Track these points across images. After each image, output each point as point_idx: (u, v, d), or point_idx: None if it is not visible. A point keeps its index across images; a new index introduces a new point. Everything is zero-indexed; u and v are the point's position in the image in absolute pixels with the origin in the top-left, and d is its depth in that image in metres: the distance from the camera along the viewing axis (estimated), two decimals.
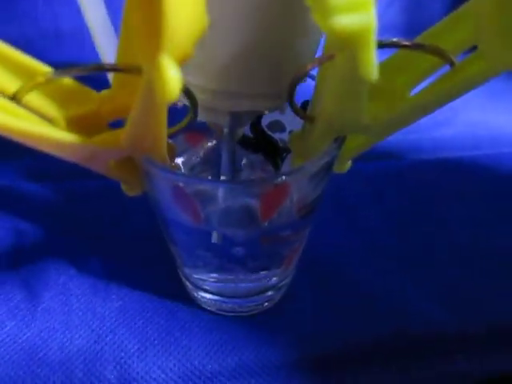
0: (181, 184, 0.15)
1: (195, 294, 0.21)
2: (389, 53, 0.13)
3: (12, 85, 0.11)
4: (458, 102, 0.13)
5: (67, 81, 0.12)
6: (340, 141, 0.15)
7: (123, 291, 0.21)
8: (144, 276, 0.22)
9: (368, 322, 0.21)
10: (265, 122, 0.20)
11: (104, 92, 0.13)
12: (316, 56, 0.15)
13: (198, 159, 0.19)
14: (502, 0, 0.10)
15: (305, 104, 0.17)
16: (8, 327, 0.20)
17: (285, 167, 0.19)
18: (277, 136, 0.20)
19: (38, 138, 0.11)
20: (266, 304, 0.21)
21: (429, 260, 0.24)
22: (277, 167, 0.20)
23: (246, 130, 0.18)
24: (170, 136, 0.15)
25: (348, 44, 0.08)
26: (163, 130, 0.12)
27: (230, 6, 0.12)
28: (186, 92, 0.12)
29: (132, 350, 0.19)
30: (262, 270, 0.20)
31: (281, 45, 0.13)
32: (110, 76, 0.13)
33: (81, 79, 0.13)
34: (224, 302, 0.20)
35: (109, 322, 0.20)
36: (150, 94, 0.10)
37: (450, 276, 0.23)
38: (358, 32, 0.08)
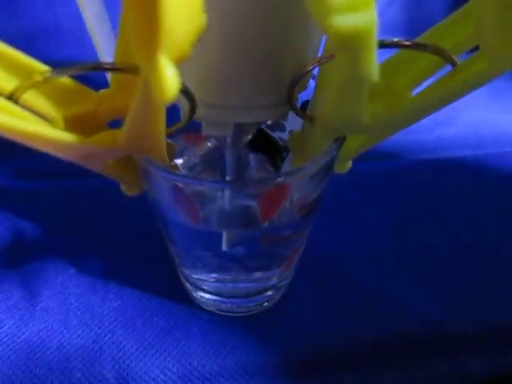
0: (180, 184, 0.15)
1: (194, 294, 0.21)
2: (389, 53, 0.13)
3: (9, 84, 0.11)
4: (459, 102, 0.13)
5: (65, 80, 0.12)
6: (340, 141, 0.15)
7: (122, 291, 0.21)
8: (143, 276, 0.22)
9: (368, 321, 0.21)
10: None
11: (102, 91, 0.13)
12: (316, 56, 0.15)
13: (198, 159, 0.19)
14: None
15: (305, 104, 0.17)
16: (6, 326, 0.20)
17: (285, 167, 0.19)
18: (277, 135, 0.20)
19: (35, 137, 0.11)
20: (266, 304, 0.21)
21: (429, 260, 0.24)
22: (277, 167, 0.19)
23: None
24: (170, 136, 0.15)
25: (348, 44, 0.08)
26: (162, 129, 0.12)
27: (230, 21, 0.12)
28: (185, 92, 0.12)
29: (131, 350, 0.19)
30: (262, 270, 0.20)
31: (282, 55, 0.13)
32: (109, 75, 0.13)
33: (79, 78, 0.13)
34: (223, 302, 0.20)
35: (107, 321, 0.20)
36: (148, 93, 0.10)
37: (450, 276, 0.23)
38: (359, 32, 0.08)
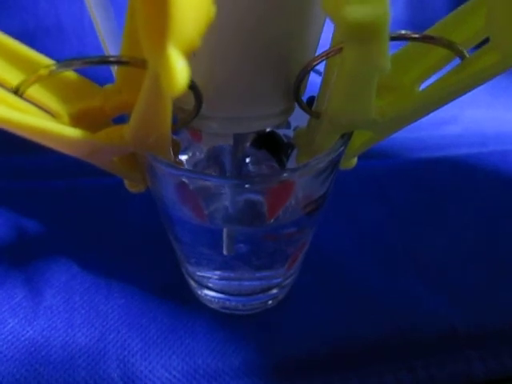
0: (185, 180, 0.14)
1: (199, 292, 0.21)
2: (397, 47, 0.13)
3: (14, 78, 0.11)
4: (463, 100, 0.13)
5: (71, 75, 0.12)
6: (347, 137, 0.15)
7: (126, 289, 0.21)
8: (147, 274, 0.22)
9: (373, 321, 0.20)
10: None
11: (108, 86, 0.13)
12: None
13: (202, 156, 0.19)
14: None
15: (310, 100, 0.16)
16: (10, 325, 0.20)
17: (290, 164, 0.19)
18: (281, 132, 0.19)
19: (40, 132, 0.11)
20: (271, 302, 0.21)
21: (434, 259, 0.24)
22: (281, 164, 0.19)
23: None
24: (175, 132, 0.14)
25: (361, 35, 0.08)
26: (168, 125, 0.12)
27: (228, 28, 0.12)
28: (192, 87, 0.12)
29: (135, 349, 0.19)
30: (267, 267, 0.20)
31: (282, 64, 0.13)
32: (114, 70, 0.13)
33: (84, 74, 0.13)
34: (228, 300, 0.20)
35: (112, 320, 0.20)
36: (156, 87, 0.10)
37: (456, 275, 0.23)
38: (372, 23, 0.08)
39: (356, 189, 0.27)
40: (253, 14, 0.11)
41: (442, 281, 0.22)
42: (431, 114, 0.14)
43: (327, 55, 0.12)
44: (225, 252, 0.18)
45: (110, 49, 0.13)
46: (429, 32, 0.12)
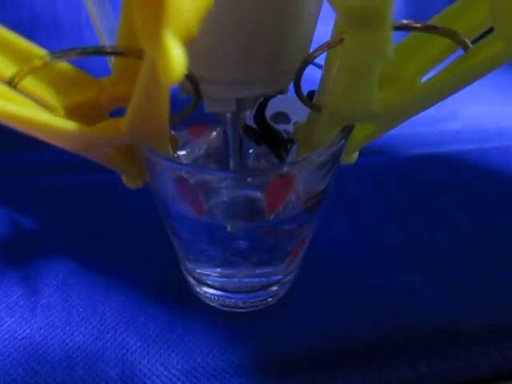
0: (184, 174, 0.14)
1: (198, 290, 0.20)
2: (398, 38, 0.13)
3: (8, 69, 0.11)
4: (463, 95, 0.13)
5: (66, 67, 0.12)
6: (348, 130, 0.14)
7: (124, 287, 0.21)
8: (145, 271, 0.22)
9: (375, 317, 0.20)
10: (269, 113, 0.19)
11: (104, 78, 0.13)
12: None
13: (201, 152, 0.19)
14: None
15: (310, 94, 0.16)
16: (7, 323, 0.20)
17: (289, 159, 0.19)
18: (281, 128, 0.19)
19: (35, 125, 0.10)
20: (270, 299, 0.21)
21: (436, 254, 0.23)
22: (281, 159, 0.19)
23: (249, 120, 0.18)
24: (173, 128, 0.14)
25: (364, 23, 0.08)
26: (165, 115, 0.11)
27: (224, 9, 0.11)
28: (190, 77, 0.11)
29: (134, 347, 0.19)
30: (266, 264, 0.19)
31: (281, 26, 0.13)
32: (110, 62, 0.13)
33: (80, 66, 0.12)
34: (227, 297, 0.20)
35: (110, 318, 0.20)
36: (153, 76, 0.10)
37: (458, 271, 0.23)
38: (375, 9, 0.07)
39: (355, 185, 0.27)
40: None
41: (442, 276, 0.22)
42: (430, 110, 0.13)
43: (328, 46, 0.12)
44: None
45: (108, 42, 0.13)
46: (432, 21, 0.12)
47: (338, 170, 0.17)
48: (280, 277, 0.20)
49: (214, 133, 0.20)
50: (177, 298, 0.21)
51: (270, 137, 0.19)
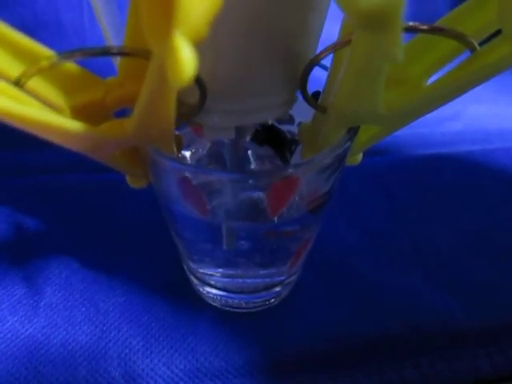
0: (188, 175, 0.14)
1: (201, 290, 0.20)
2: (404, 39, 0.13)
3: (15, 69, 0.11)
4: (466, 96, 0.13)
5: (72, 67, 0.12)
6: (353, 132, 0.14)
7: (127, 286, 0.21)
8: (148, 271, 0.22)
9: (378, 318, 0.20)
10: None
11: (110, 79, 0.13)
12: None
13: (205, 151, 0.19)
14: None
15: (315, 94, 0.16)
16: (9, 323, 0.20)
17: (294, 161, 0.19)
18: (285, 128, 0.19)
19: (42, 125, 0.10)
20: (273, 300, 0.21)
21: (439, 255, 0.23)
22: (285, 160, 0.19)
23: None
24: (178, 127, 0.14)
25: (374, 24, 0.08)
26: (172, 117, 0.11)
27: (233, 19, 0.11)
28: (197, 79, 0.11)
29: (137, 347, 0.19)
30: (269, 265, 0.19)
31: (284, 54, 0.13)
32: (116, 63, 0.13)
33: (86, 67, 0.12)
34: (230, 297, 0.20)
35: (113, 317, 0.20)
36: (160, 78, 0.10)
37: (461, 271, 0.23)
38: (386, 11, 0.07)
39: (358, 185, 0.27)
40: (256, 2, 0.11)
41: (444, 277, 0.22)
42: (434, 111, 0.13)
43: (335, 47, 0.12)
44: (225, 247, 0.17)
45: (114, 42, 0.13)
46: (438, 23, 0.12)
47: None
48: (283, 278, 0.20)
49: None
50: (180, 297, 0.21)
51: (273, 137, 0.19)
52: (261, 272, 0.19)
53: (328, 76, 0.14)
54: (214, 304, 0.20)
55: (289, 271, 0.20)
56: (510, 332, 0.20)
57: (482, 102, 0.34)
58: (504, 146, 0.31)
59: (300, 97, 0.14)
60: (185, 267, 0.21)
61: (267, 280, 0.20)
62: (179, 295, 0.21)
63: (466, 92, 0.12)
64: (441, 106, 0.13)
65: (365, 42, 0.09)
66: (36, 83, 0.11)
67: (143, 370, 0.18)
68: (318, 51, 0.13)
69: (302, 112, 0.16)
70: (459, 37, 0.11)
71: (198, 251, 0.19)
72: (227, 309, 0.20)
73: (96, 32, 0.38)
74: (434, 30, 0.11)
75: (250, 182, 0.16)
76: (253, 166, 0.20)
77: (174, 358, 0.18)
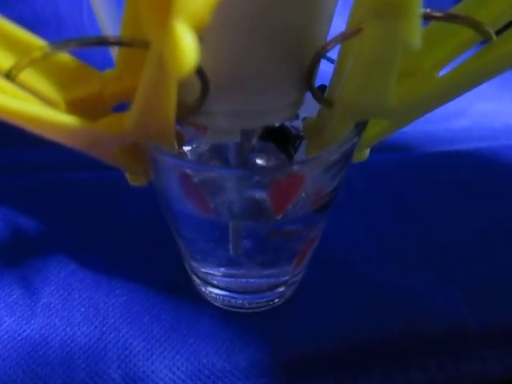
0: (189, 171, 0.14)
1: (203, 289, 0.20)
2: None
3: (6, 61, 0.10)
4: (471, 92, 0.12)
5: (67, 59, 0.11)
6: (361, 126, 0.14)
7: (127, 286, 0.20)
8: (149, 270, 0.21)
9: (385, 318, 0.20)
10: None
11: (107, 71, 0.12)
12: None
13: (206, 147, 0.18)
14: None
15: (321, 88, 0.16)
16: (6, 323, 0.19)
17: (298, 157, 0.18)
18: (289, 124, 0.19)
19: (35, 120, 0.10)
20: (277, 300, 0.20)
21: (446, 254, 0.23)
22: (290, 157, 0.19)
23: None
24: (178, 123, 0.14)
25: (390, 11, 0.07)
26: (172, 111, 0.11)
27: (236, 17, 0.11)
28: (199, 72, 0.11)
29: (137, 348, 0.18)
30: (273, 265, 0.19)
31: (292, 50, 0.12)
32: (114, 54, 0.12)
33: (81, 58, 0.12)
34: (233, 297, 0.19)
35: (112, 318, 0.19)
36: (160, 69, 0.09)
37: (469, 271, 0.22)
38: None
39: (363, 183, 0.27)
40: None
41: (453, 277, 0.22)
42: (439, 108, 0.13)
43: (343, 38, 0.11)
44: (232, 252, 0.17)
45: (110, 28, 0.12)
46: (452, 11, 0.11)
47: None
48: (287, 277, 0.19)
49: None
50: (181, 297, 0.20)
51: (277, 133, 0.19)
52: (265, 272, 0.19)
53: (335, 68, 0.13)
54: (216, 304, 0.20)
55: (293, 271, 0.19)
56: None
57: (487, 99, 0.34)
58: (510, 143, 0.30)
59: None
60: (186, 267, 0.20)
61: (271, 280, 0.19)
62: (181, 295, 0.20)
63: (480, 84, 0.12)
64: (454, 98, 0.12)
65: (378, 30, 0.09)
66: (29, 76, 0.11)
67: (144, 372, 0.18)
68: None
69: (308, 108, 0.16)
70: (475, 25, 0.11)
71: (200, 250, 0.18)
72: (230, 309, 0.20)
73: (96, 28, 0.37)
74: (449, 18, 0.11)
75: (254, 178, 0.15)
76: (256, 163, 0.19)
77: (176, 360, 0.18)
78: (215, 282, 0.19)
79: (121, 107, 0.13)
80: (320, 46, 0.13)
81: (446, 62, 0.13)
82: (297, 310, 0.20)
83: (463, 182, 0.27)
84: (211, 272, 0.19)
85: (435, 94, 0.12)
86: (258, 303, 0.20)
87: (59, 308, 0.20)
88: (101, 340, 0.19)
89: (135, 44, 0.10)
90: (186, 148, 0.18)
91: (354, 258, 0.22)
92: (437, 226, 0.25)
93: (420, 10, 0.07)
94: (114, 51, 0.12)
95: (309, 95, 0.14)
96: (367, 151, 0.17)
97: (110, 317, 0.19)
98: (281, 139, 0.19)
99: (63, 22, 0.37)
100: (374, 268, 0.22)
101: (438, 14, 0.11)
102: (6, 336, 0.19)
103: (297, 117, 0.19)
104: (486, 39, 0.11)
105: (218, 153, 0.18)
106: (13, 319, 0.19)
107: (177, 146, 0.14)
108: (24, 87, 0.11)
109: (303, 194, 0.16)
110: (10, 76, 0.10)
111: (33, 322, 0.19)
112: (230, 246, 0.17)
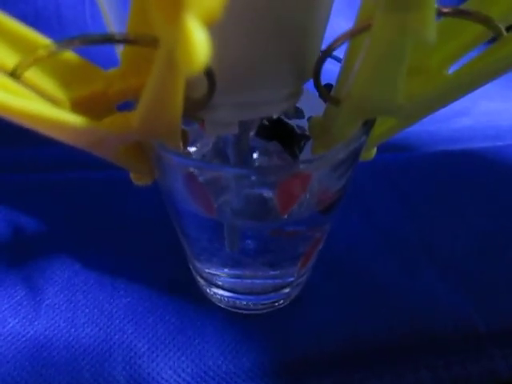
0: (194, 171, 0.14)
1: (208, 291, 0.20)
2: None
3: (10, 59, 0.10)
4: (476, 92, 0.12)
5: (72, 57, 0.11)
6: (369, 125, 0.14)
7: (132, 287, 0.20)
8: (153, 271, 0.21)
9: (391, 320, 0.20)
10: None
11: (112, 70, 0.12)
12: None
13: (210, 147, 0.18)
14: None
15: (327, 87, 0.15)
16: (10, 324, 0.19)
17: (303, 157, 0.18)
18: (294, 123, 0.18)
19: (40, 119, 0.10)
20: (282, 302, 0.20)
21: (451, 253, 0.23)
22: (294, 156, 0.18)
23: None
24: (183, 122, 0.13)
25: (404, 3, 0.07)
26: (179, 110, 0.11)
27: (238, 11, 0.11)
28: (207, 71, 0.11)
29: (142, 350, 0.18)
30: (277, 265, 0.19)
31: (291, 44, 0.12)
32: (120, 51, 0.12)
33: (86, 57, 0.12)
34: (238, 298, 0.19)
35: (117, 319, 0.19)
36: (169, 66, 0.09)
37: (474, 270, 0.22)
38: None
39: (369, 183, 0.26)
40: None
41: (459, 277, 0.22)
42: (444, 108, 0.13)
43: (352, 34, 0.11)
44: (227, 248, 0.17)
45: (116, 26, 0.12)
46: (462, 6, 0.11)
47: None
48: (293, 279, 0.19)
49: None
50: (186, 298, 0.20)
51: (282, 132, 0.19)
52: (270, 273, 0.19)
53: (342, 65, 0.13)
54: (221, 305, 0.20)
55: (298, 272, 0.19)
56: None
57: (491, 98, 0.34)
58: None
59: (310, 90, 0.13)
60: (191, 267, 0.20)
61: (276, 281, 0.19)
62: (185, 296, 0.20)
63: (490, 81, 0.12)
64: (463, 96, 0.12)
65: (389, 24, 0.09)
66: (34, 75, 0.11)
67: (149, 373, 0.17)
68: (325, 45, 0.12)
69: (312, 105, 0.16)
70: (485, 21, 0.11)
71: (205, 250, 0.18)
72: (235, 310, 0.20)
73: (98, 27, 0.37)
74: (459, 14, 0.11)
75: (259, 178, 0.15)
76: (260, 162, 0.19)
77: (181, 362, 0.18)
78: (220, 283, 0.19)
79: (126, 106, 0.13)
80: (319, 39, 0.13)
81: (455, 59, 0.13)
82: (302, 312, 0.20)
83: (468, 181, 0.27)
84: (216, 273, 0.19)
85: (444, 91, 0.12)
86: (262, 304, 0.20)
87: (63, 309, 0.20)
88: (105, 341, 0.18)
89: (142, 41, 0.10)
90: (191, 149, 0.18)
91: (359, 257, 0.22)
92: (442, 225, 0.24)
93: (435, 2, 0.07)
94: (119, 49, 0.12)
95: (314, 95, 0.14)
96: (374, 150, 0.16)
97: (115, 318, 0.19)
98: (285, 139, 0.19)
99: (65, 21, 0.37)
100: (380, 268, 0.22)
101: (447, 10, 0.11)
102: (10, 337, 0.18)
103: (302, 116, 0.18)
104: (496, 36, 0.11)
105: (221, 154, 0.18)
106: (17, 320, 0.19)
107: (182, 146, 0.14)
108: (29, 86, 0.11)
109: (310, 194, 0.16)
110: (14, 74, 0.10)
111: (37, 323, 0.19)
112: (226, 243, 0.16)
